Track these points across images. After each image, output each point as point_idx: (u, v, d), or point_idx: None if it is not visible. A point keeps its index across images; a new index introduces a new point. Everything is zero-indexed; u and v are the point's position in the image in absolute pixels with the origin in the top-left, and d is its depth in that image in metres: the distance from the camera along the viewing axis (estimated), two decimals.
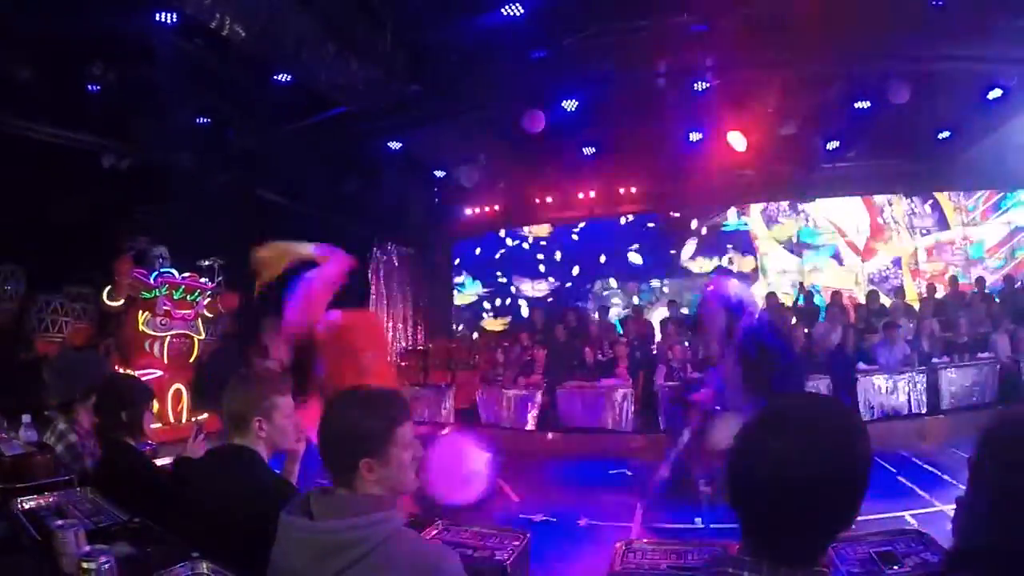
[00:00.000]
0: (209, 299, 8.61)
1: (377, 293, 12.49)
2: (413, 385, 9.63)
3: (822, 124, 9.44)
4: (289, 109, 7.85)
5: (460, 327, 14.23)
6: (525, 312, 13.55)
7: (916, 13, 6.58)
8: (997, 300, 9.82)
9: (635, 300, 13.02)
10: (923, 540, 1.86)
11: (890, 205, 12.31)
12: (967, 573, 1.15)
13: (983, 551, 1.13)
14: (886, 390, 8.02)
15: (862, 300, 10.64)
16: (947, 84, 8.08)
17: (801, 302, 11.04)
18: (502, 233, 14.16)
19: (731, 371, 4.39)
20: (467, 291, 14.51)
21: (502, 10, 6.59)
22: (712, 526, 4.77)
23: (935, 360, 8.36)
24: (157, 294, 7.90)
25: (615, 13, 6.89)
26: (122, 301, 7.73)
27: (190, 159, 7.88)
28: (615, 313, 12.55)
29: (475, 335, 13.74)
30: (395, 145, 9.55)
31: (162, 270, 8.03)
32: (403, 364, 11.56)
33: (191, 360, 8.35)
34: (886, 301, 10.48)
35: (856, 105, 8.62)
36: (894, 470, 6.16)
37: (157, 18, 6.00)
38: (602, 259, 13.52)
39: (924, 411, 8.03)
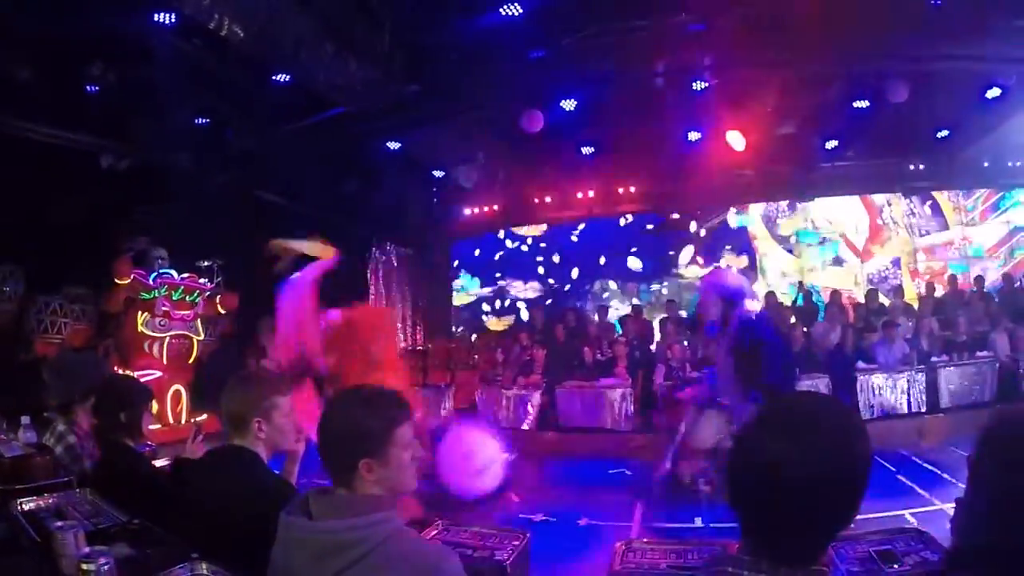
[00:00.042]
0: (208, 300, 8.62)
1: (376, 293, 12.49)
2: (412, 385, 9.61)
3: (821, 123, 9.45)
4: (288, 109, 7.85)
5: (460, 329, 14.23)
6: (524, 314, 13.55)
7: (915, 13, 6.59)
8: (996, 299, 9.83)
9: (635, 301, 13.03)
10: (923, 539, 1.86)
11: (889, 206, 12.33)
12: (967, 572, 1.15)
13: (983, 549, 1.13)
14: (885, 389, 8.02)
15: (861, 300, 10.65)
16: (946, 83, 8.08)
17: (800, 302, 11.04)
18: (501, 234, 14.16)
19: (724, 362, 4.40)
20: (466, 291, 14.51)
21: (500, 10, 6.60)
22: (712, 526, 4.77)
23: (934, 359, 8.36)
24: (156, 295, 7.90)
25: (613, 13, 6.89)
26: (121, 302, 7.73)
27: (189, 159, 7.88)
28: (614, 314, 12.56)
29: (473, 336, 13.74)
30: (394, 145, 9.55)
31: (161, 271, 8.03)
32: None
33: (190, 361, 8.35)
34: (885, 300, 10.48)
35: (855, 104, 8.62)
36: (893, 469, 6.17)
37: (156, 19, 5.99)
38: (601, 260, 13.53)
39: (923, 410, 8.03)
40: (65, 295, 8.04)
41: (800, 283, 12.05)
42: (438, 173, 11.35)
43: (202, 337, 8.53)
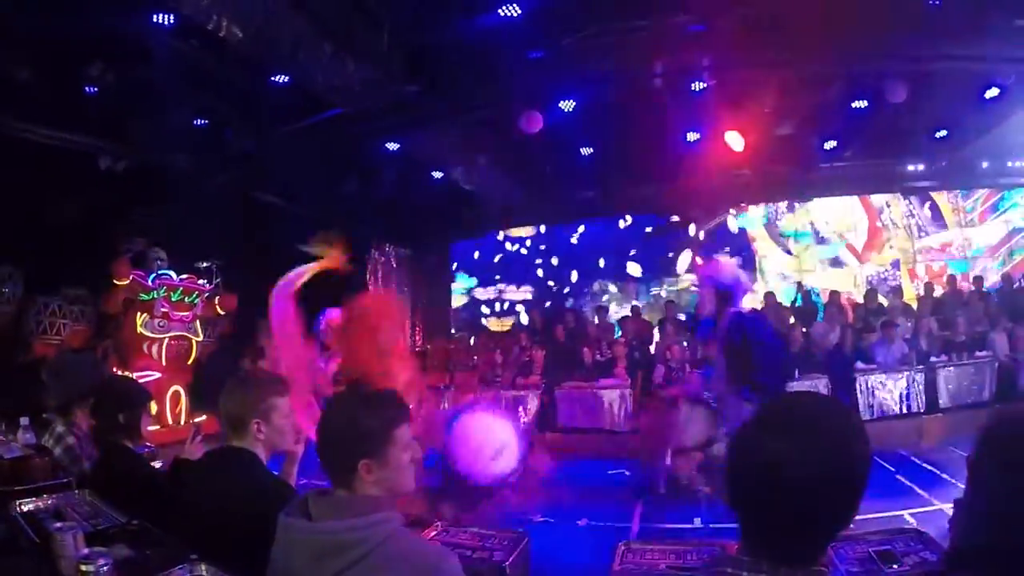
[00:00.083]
0: (207, 301, 8.61)
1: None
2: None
3: (820, 124, 9.43)
4: (287, 110, 7.84)
5: (457, 331, 14.22)
6: (524, 316, 13.54)
7: (913, 13, 6.58)
8: (995, 299, 9.84)
9: (634, 302, 13.03)
10: (922, 539, 1.86)
11: (888, 207, 12.33)
12: (966, 572, 1.15)
13: (982, 550, 1.13)
14: (884, 389, 8.03)
15: (860, 300, 10.65)
16: (944, 83, 8.07)
17: (799, 302, 11.04)
18: (501, 236, 14.15)
19: (716, 357, 4.40)
20: (465, 293, 14.51)
21: (499, 10, 6.58)
22: (711, 526, 4.77)
23: (933, 359, 8.37)
24: (155, 296, 7.89)
25: (613, 13, 6.89)
26: (120, 303, 7.73)
27: (187, 160, 7.87)
28: (614, 316, 12.55)
29: (471, 339, 13.73)
30: (393, 146, 9.54)
31: (160, 272, 8.03)
32: None
33: (189, 362, 8.34)
34: (884, 301, 10.49)
35: (853, 104, 8.61)
36: (893, 469, 6.17)
37: (154, 19, 5.98)
38: (601, 263, 13.52)
39: (922, 410, 8.04)
40: (64, 296, 8.02)
41: (799, 283, 12.05)
42: (437, 174, 11.35)
43: (201, 338, 8.52)
